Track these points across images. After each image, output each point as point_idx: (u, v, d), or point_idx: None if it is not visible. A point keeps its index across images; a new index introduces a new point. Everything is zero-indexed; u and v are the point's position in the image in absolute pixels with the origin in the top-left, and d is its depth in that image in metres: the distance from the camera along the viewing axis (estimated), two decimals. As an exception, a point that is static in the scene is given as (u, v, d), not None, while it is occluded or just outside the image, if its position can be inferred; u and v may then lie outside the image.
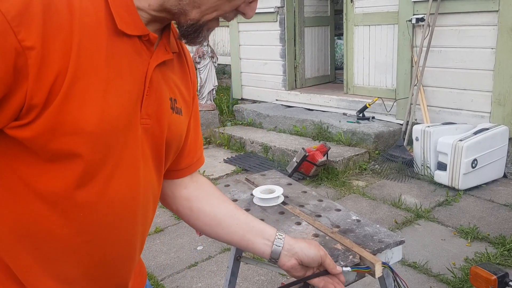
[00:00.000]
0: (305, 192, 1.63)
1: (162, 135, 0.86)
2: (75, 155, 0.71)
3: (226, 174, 4.34)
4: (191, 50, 7.71)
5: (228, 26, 7.05)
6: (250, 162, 4.58)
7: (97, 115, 0.71)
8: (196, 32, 0.81)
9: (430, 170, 3.96)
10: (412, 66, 4.59)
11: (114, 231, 0.80)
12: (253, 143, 4.94)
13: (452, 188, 3.72)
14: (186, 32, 0.81)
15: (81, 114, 0.70)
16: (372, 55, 5.17)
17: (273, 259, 1.01)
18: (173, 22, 0.85)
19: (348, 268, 1.10)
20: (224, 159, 4.74)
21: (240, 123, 5.82)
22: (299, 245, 1.01)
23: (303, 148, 4.00)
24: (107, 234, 0.80)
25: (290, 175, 3.94)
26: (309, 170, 4.01)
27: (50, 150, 0.70)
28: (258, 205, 1.52)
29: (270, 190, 1.55)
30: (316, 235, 1.30)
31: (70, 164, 0.72)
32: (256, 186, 1.64)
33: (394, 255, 1.29)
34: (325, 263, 1.01)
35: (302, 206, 1.51)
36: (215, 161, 4.71)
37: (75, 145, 0.71)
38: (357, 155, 4.32)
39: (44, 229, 0.75)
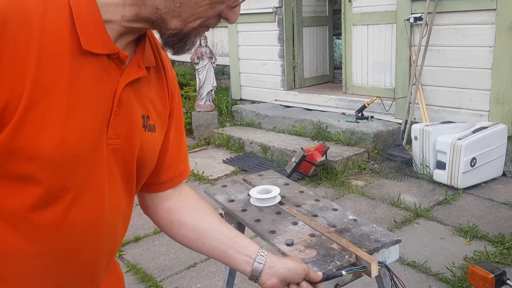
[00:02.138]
0: (302, 192, 1.63)
1: (133, 155, 0.82)
2: (33, 179, 0.69)
3: (225, 175, 4.34)
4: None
5: (226, 27, 7.05)
6: (249, 163, 4.57)
7: (55, 140, 0.68)
8: (182, 41, 0.77)
9: (429, 169, 3.95)
10: (410, 65, 4.59)
11: (76, 255, 0.78)
12: (252, 143, 4.94)
13: (451, 187, 3.72)
14: (169, 42, 0.77)
15: (38, 140, 0.66)
16: (370, 54, 5.17)
17: (254, 276, 0.97)
18: (153, 31, 0.80)
19: (344, 272, 1.10)
20: (223, 160, 4.74)
21: (239, 123, 5.81)
22: (281, 262, 0.98)
23: (302, 148, 3.99)
24: (68, 257, 0.77)
25: (289, 175, 3.94)
26: (308, 170, 4.01)
27: (7, 172, 0.68)
28: (255, 205, 1.51)
29: (267, 190, 1.55)
30: (312, 235, 1.29)
31: (29, 187, 0.69)
32: (253, 186, 1.64)
33: (391, 255, 1.29)
34: (309, 275, 1.00)
35: (299, 206, 1.51)
36: (214, 161, 4.71)
37: (32, 171, 0.68)
38: (356, 154, 4.32)
39: (3, 249, 0.72)
